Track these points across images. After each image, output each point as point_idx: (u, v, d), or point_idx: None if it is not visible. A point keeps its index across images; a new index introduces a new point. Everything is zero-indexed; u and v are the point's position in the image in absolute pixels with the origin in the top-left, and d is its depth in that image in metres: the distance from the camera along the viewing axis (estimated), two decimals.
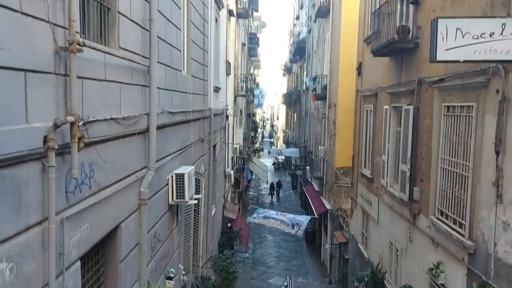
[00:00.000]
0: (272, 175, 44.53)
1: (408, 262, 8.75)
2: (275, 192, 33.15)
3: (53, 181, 3.04)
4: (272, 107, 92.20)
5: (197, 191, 8.19)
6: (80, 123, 3.40)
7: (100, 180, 4.06)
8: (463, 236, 6.27)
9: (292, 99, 37.21)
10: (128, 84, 4.86)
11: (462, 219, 6.40)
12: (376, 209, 11.12)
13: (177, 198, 6.82)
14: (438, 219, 7.23)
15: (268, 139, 70.58)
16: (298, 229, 17.15)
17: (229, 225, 16.21)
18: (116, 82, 4.46)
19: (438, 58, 4.88)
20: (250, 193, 34.87)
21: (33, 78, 2.93)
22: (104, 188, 4.19)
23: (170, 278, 6.85)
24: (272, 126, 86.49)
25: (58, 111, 3.24)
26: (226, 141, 16.39)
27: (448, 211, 6.91)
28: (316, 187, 22.21)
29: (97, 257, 4.53)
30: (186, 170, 6.93)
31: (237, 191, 21.51)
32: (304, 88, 29.70)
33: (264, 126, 77.84)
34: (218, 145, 13.79)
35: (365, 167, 12.66)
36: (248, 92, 24.85)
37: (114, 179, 4.43)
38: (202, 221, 8.82)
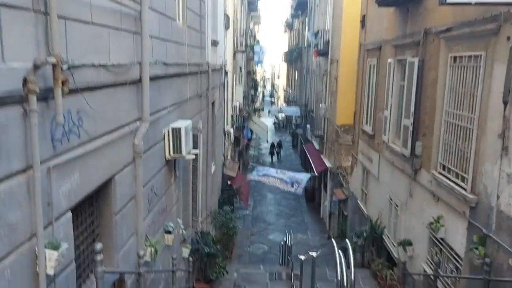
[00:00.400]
0: (272, 135, 44.49)
1: (407, 217, 8.74)
2: (275, 152, 32.88)
3: (36, 126, 2.86)
4: (273, 66, 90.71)
5: (195, 147, 8.05)
6: (64, 67, 3.17)
7: (89, 130, 3.88)
8: (465, 190, 6.17)
9: (293, 57, 36.44)
10: (118, 29, 4.57)
11: (465, 173, 6.28)
12: (377, 166, 11.03)
13: (174, 152, 6.67)
14: (440, 173, 7.12)
15: (269, 98, 69.94)
16: (298, 187, 17.22)
17: (229, 183, 16.23)
18: (104, 26, 4.17)
19: (448, 0, 4.56)
20: (250, 152, 34.90)
21: (8, 13, 2.67)
22: (95, 139, 4.01)
23: (169, 232, 6.85)
24: (272, 85, 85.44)
25: (38, 52, 3.00)
26: (225, 98, 16.11)
27: (451, 165, 6.78)
28: (316, 146, 22.13)
29: (91, 209, 4.43)
30: (183, 124, 6.74)
31: (237, 150, 21.43)
32: (305, 45, 28.98)
33: (264, 86, 76.86)
34: (217, 102, 13.54)
35: (366, 123, 12.46)
36: (248, 49, 24.24)
37: (105, 129, 4.25)
38: (201, 177, 8.75)
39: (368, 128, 12.09)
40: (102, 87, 4.11)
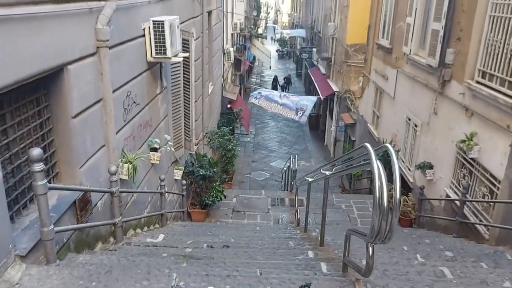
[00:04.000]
0: (275, 62, 42.50)
1: (429, 137, 7.71)
2: (279, 87, 28.95)
3: None
4: None
5: (185, 51, 6.84)
6: None
7: None
8: None
9: None
10: None
11: None
12: (393, 83, 9.81)
13: (157, 53, 5.46)
14: (477, 82, 5.94)
15: (272, 25, 66.55)
16: (302, 115, 16.02)
17: (228, 106, 15.13)
18: None
19: None
20: (252, 79, 33.38)
21: None
22: (26, 4, 2.81)
23: (154, 150, 5.86)
24: (276, 13, 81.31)
25: None
26: (224, 12, 14.48)
27: (494, 70, 5.58)
28: (322, 70, 20.69)
29: (38, 108, 3.35)
30: (167, 18, 5.45)
31: (238, 74, 20.04)
32: None
33: (268, 13, 73.03)
34: (214, 13, 12.03)
35: (383, 37, 11.04)
36: None
37: None
38: (194, 90, 7.60)
39: (385, 42, 10.70)
40: None
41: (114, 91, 4.37)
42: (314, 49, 23.91)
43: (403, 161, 9.04)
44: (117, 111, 4.51)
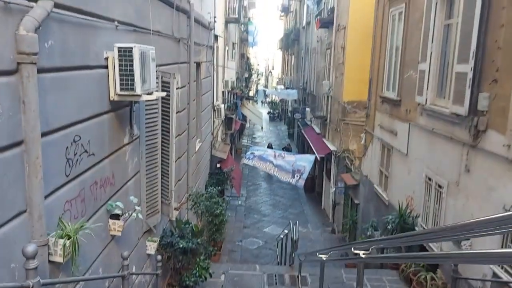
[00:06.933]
0: (267, 124, 41.99)
1: (460, 200, 6.35)
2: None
3: None
4: (267, 59, 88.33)
5: (165, 90, 5.62)
6: None
7: None
8: None
9: (289, 40, 34.00)
10: None
11: None
12: (405, 138, 8.63)
13: (122, 89, 4.20)
14: None
15: (263, 89, 67.43)
16: (300, 178, 14.63)
17: (218, 165, 13.78)
18: None
19: None
20: (243, 140, 32.39)
21: None
22: None
23: (116, 217, 4.40)
24: (267, 78, 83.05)
25: None
26: (215, 66, 13.62)
27: None
28: (317, 130, 19.73)
29: None
30: (138, 45, 4.26)
31: (229, 133, 18.94)
32: (303, 24, 26.56)
33: (258, 79, 74.54)
34: (203, 66, 11.12)
35: (388, 89, 10.05)
36: (241, 18, 21.72)
37: None
38: (174, 144, 6.28)
39: (391, 94, 9.68)
40: None
41: (49, 132, 3.04)
42: (308, 109, 23.19)
43: (424, 229, 7.59)
44: (52, 162, 3.13)
